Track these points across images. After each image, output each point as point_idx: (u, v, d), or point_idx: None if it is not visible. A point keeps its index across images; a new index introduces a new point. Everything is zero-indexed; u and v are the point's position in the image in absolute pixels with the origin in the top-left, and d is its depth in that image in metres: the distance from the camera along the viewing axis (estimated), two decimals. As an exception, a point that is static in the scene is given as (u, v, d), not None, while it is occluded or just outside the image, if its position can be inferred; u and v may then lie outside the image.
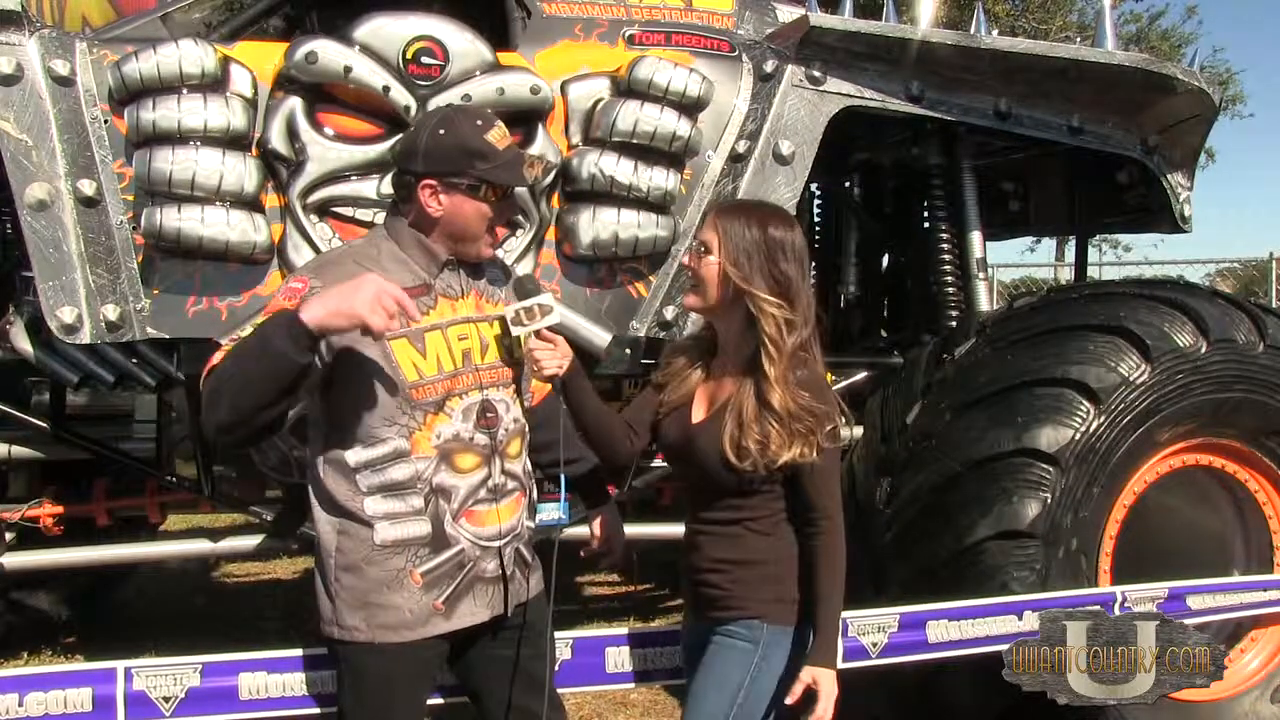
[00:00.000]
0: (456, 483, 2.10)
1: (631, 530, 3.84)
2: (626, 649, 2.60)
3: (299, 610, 4.83)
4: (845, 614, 2.74)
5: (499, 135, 2.12)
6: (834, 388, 4.00)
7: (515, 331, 2.14)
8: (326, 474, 2.09)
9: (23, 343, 3.28)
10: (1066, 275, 11.32)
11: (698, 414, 2.21)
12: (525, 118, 3.19)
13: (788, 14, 3.78)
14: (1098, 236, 11.35)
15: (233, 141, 3.00)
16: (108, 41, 3.12)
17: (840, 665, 2.68)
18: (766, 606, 2.13)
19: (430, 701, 2.30)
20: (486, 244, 2.17)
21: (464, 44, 3.16)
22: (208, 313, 3.09)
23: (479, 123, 2.12)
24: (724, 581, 2.15)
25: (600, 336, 3.29)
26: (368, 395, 2.04)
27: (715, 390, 2.19)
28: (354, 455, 2.05)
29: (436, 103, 3.08)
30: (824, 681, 2.09)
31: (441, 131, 2.10)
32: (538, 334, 2.15)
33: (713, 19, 3.64)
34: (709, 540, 2.19)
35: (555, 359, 2.16)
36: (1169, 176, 4.11)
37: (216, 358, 1.97)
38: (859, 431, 3.78)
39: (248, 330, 1.99)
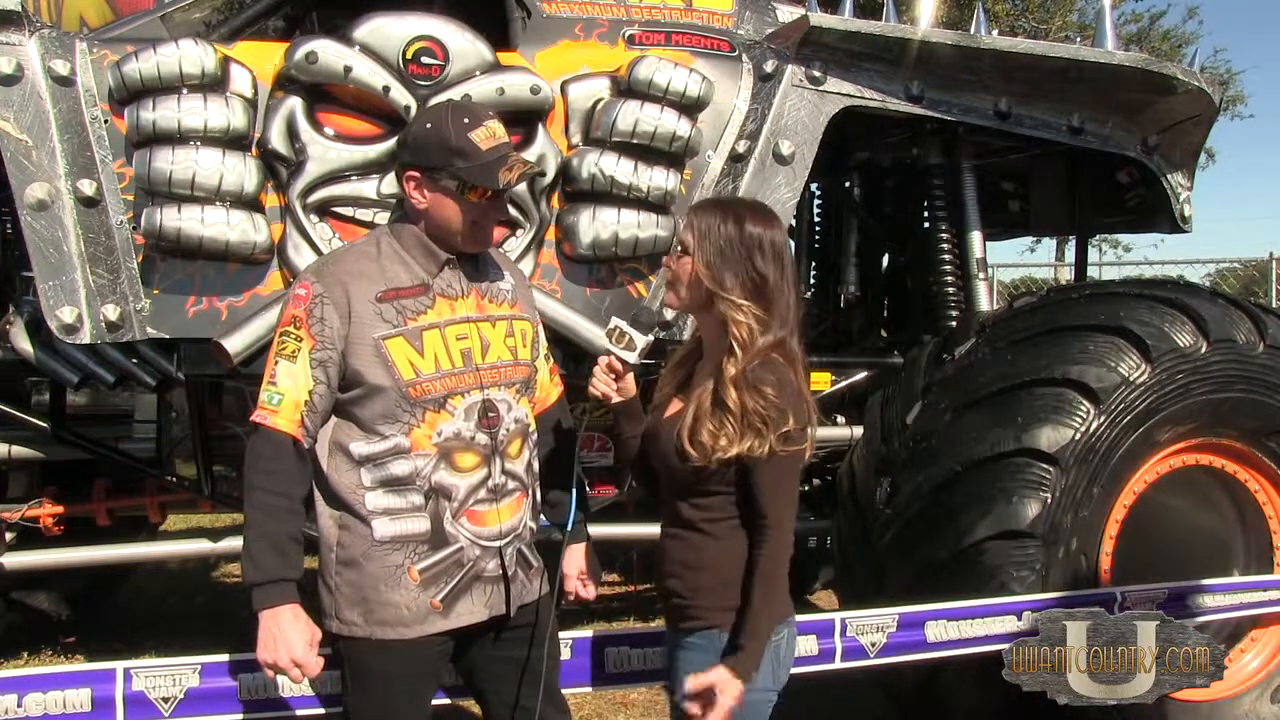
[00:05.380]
0: (456, 482, 2.10)
1: (631, 530, 3.87)
2: (626, 649, 2.60)
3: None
4: (845, 614, 2.75)
5: (485, 135, 2.11)
6: (834, 387, 4.02)
7: (601, 343, 2.18)
8: (331, 467, 2.10)
9: (23, 343, 3.28)
10: (1066, 275, 11.32)
11: (670, 411, 2.19)
12: (525, 118, 3.19)
13: (788, 14, 3.78)
14: (1098, 236, 11.37)
15: (233, 141, 3.00)
16: (108, 41, 3.13)
17: (840, 665, 2.70)
18: (724, 615, 2.08)
19: (435, 701, 2.30)
20: (472, 240, 2.16)
21: (464, 44, 3.16)
22: (208, 313, 3.09)
23: (466, 120, 2.12)
24: (682, 589, 2.12)
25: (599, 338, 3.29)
26: (368, 393, 2.06)
27: (691, 390, 2.17)
28: (357, 448, 2.08)
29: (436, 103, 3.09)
30: (726, 690, 1.98)
31: (428, 125, 2.13)
32: (616, 362, 2.16)
33: (713, 19, 3.64)
34: (671, 543, 2.17)
35: (605, 386, 2.17)
36: (1169, 176, 4.11)
37: (260, 417, 2.05)
38: (859, 431, 3.79)
39: (283, 352, 2.06)
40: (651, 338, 2.18)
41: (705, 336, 2.20)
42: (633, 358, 2.15)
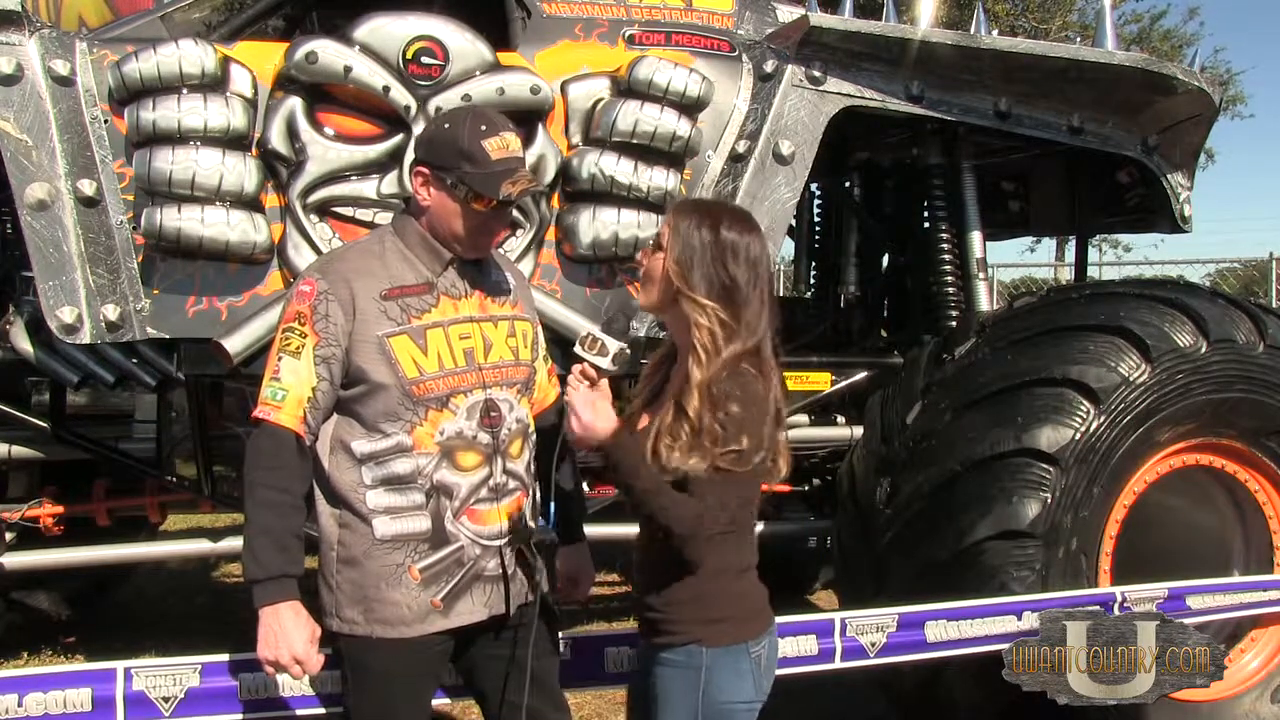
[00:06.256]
0: (458, 480, 2.11)
1: (631, 530, 3.86)
2: (626, 649, 2.59)
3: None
4: (845, 614, 2.75)
5: (498, 145, 2.10)
6: (834, 387, 4.02)
7: (576, 350, 2.12)
8: (332, 464, 2.11)
9: (23, 343, 3.29)
10: (1066, 275, 11.31)
11: (640, 423, 2.15)
12: (525, 118, 3.19)
13: (788, 14, 3.78)
14: (1098, 236, 11.37)
15: (233, 141, 3.00)
16: (108, 41, 3.13)
17: (840, 665, 2.70)
18: (702, 629, 2.05)
19: (435, 701, 2.30)
20: (470, 247, 2.16)
21: (464, 44, 3.16)
22: (208, 313, 3.09)
23: (483, 127, 2.11)
24: (658, 602, 2.09)
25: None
26: (371, 390, 2.06)
27: (661, 399, 2.14)
28: (359, 446, 2.08)
29: (436, 103, 3.09)
30: (596, 429, 1.95)
31: (446, 125, 2.14)
32: (590, 369, 2.09)
33: (713, 19, 3.64)
34: (646, 555, 2.15)
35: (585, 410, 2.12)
36: (1169, 176, 4.11)
37: (262, 413, 2.04)
38: (859, 431, 3.79)
39: (283, 352, 2.05)
40: (625, 344, 2.15)
41: (675, 339, 2.17)
42: (605, 363, 2.10)
